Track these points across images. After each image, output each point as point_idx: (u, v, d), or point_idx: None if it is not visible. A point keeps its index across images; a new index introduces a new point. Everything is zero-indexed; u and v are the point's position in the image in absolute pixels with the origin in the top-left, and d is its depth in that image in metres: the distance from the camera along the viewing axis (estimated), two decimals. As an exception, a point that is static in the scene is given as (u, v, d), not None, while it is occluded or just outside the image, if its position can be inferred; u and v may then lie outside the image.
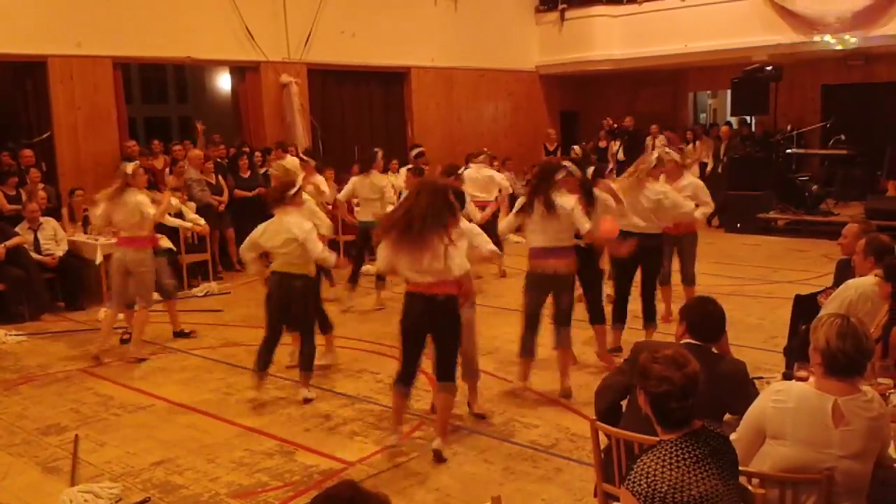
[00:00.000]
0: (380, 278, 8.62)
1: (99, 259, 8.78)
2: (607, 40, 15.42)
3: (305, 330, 5.83)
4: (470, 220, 5.48)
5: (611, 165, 13.46)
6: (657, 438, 2.51)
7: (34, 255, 8.63)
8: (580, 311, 6.24)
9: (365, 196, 8.68)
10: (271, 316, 5.85)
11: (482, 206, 8.31)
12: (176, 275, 9.32)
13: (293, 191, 5.79)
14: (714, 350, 3.41)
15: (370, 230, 7.31)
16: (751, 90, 13.08)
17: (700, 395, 2.46)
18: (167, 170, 10.50)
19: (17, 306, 8.38)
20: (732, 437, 2.78)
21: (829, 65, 14.48)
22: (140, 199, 6.73)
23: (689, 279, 7.46)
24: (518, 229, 6.05)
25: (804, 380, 3.14)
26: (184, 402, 5.86)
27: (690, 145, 14.61)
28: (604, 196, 5.98)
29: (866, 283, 4.33)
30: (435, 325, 4.68)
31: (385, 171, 9.63)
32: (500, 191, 9.17)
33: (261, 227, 5.88)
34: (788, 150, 13.94)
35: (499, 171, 12.85)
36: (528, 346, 5.76)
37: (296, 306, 5.76)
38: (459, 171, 7.48)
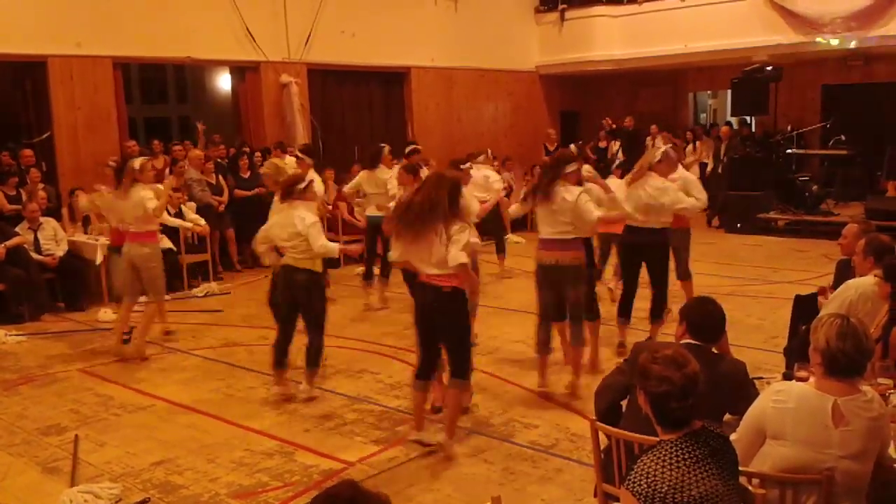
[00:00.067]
0: (382, 276, 8.64)
1: (99, 259, 8.79)
2: (607, 40, 15.42)
3: (313, 325, 5.79)
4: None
5: (616, 164, 13.49)
6: (657, 439, 2.51)
7: (34, 256, 8.63)
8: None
9: (371, 191, 8.69)
10: (279, 311, 5.93)
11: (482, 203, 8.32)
12: (176, 275, 9.35)
13: (303, 185, 5.75)
14: (714, 350, 3.41)
15: (378, 224, 7.33)
16: (751, 90, 13.09)
17: (700, 395, 2.46)
18: (167, 170, 10.50)
19: (17, 306, 8.37)
20: (732, 437, 2.78)
21: (829, 65, 14.49)
22: (144, 194, 6.75)
23: (684, 274, 7.46)
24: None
25: (804, 380, 3.14)
26: (184, 403, 5.86)
27: (690, 145, 14.62)
28: (595, 187, 5.98)
29: (866, 283, 4.33)
30: (441, 317, 4.68)
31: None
32: (505, 190, 9.19)
33: (272, 218, 5.94)
34: (788, 151, 13.94)
35: (499, 171, 12.88)
36: (540, 339, 5.73)
37: (301, 300, 5.75)
38: (465, 166, 7.46)
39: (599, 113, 16.07)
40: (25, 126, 10.38)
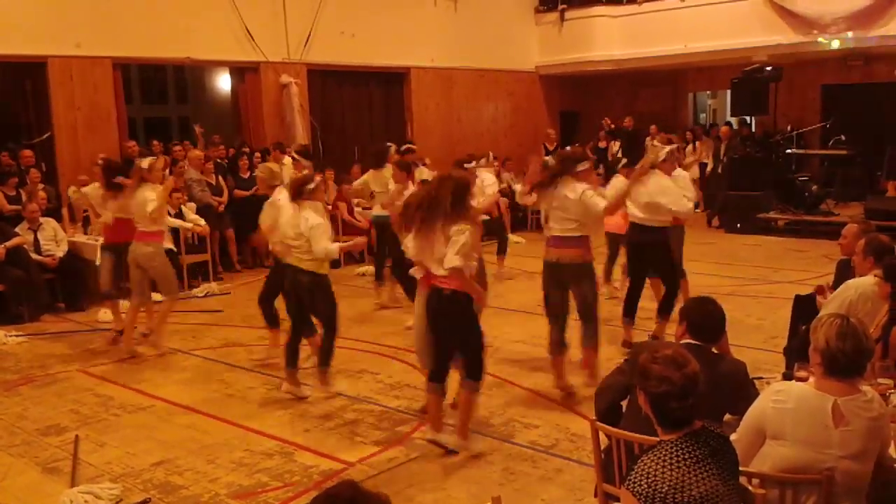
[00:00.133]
0: (378, 278, 8.64)
1: (99, 260, 8.78)
2: (607, 40, 15.42)
3: (323, 326, 5.79)
4: None
5: (621, 164, 13.52)
6: (657, 439, 2.51)
7: (34, 256, 8.62)
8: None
9: (378, 190, 8.69)
10: (288, 311, 5.96)
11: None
12: (176, 275, 9.35)
13: (312, 185, 5.72)
14: (714, 350, 3.41)
15: (385, 223, 7.33)
16: (750, 90, 13.09)
17: (700, 395, 2.46)
18: (167, 170, 10.50)
19: (17, 307, 8.37)
20: (732, 437, 2.78)
21: (828, 65, 14.49)
22: (147, 195, 6.77)
23: (678, 272, 7.46)
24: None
25: (804, 380, 3.14)
26: (184, 403, 5.85)
27: (690, 145, 14.62)
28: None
29: (866, 283, 4.33)
30: (444, 320, 4.67)
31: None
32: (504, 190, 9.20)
33: (286, 212, 5.96)
34: (788, 151, 13.94)
35: (499, 172, 12.89)
36: (552, 339, 5.71)
37: (305, 302, 5.76)
38: (470, 165, 7.47)
39: (599, 113, 16.08)
40: (25, 126, 10.38)
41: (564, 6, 15.82)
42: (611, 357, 6.24)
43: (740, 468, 2.62)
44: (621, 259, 7.85)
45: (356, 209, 10.84)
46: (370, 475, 4.55)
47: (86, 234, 9.29)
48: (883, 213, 10.86)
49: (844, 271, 5.09)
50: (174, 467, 4.74)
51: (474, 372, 4.71)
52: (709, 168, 14.60)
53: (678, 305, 5.62)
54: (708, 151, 14.67)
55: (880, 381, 3.54)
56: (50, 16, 9.88)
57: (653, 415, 2.50)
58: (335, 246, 5.66)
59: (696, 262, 7.63)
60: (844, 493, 2.73)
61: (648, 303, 6.61)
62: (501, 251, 9.94)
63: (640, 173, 6.28)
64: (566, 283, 5.59)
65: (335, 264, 10.03)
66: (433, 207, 4.56)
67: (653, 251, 6.42)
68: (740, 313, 7.48)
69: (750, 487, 2.71)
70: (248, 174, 11.05)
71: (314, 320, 6.01)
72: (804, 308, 5.32)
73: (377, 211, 8.55)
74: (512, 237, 11.79)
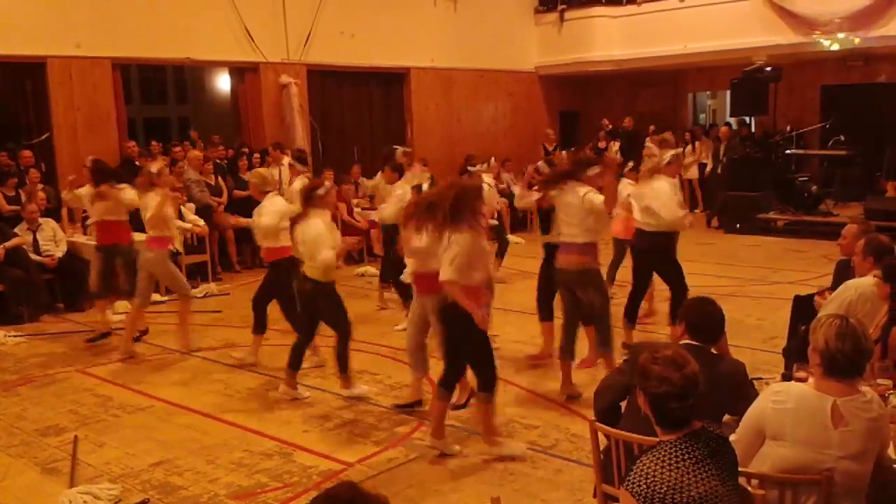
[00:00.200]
0: (382, 280, 8.64)
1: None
2: (607, 41, 15.42)
3: (336, 332, 5.77)
4: None
5: (628, 167, 13.55)
6: (656, 439, 2.51)
7: (33, 256, 8.63)
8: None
9: (387, 192, 8.69)
10: (259, 310, 6.20)
11: None
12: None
13: (322, 191, 5.69)
14: (713, 351, 3.41)
15: (392, 226, 7.35)
16: (750, 91, 13.09)
17: (699, 395, 2.46)
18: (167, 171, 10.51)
19: (16, 307, 8.37)
20: (732, 437, 2.78)
21: (828, 65, 14.49)
22: (148, 202, 6.82)
23: None
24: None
25: (803, 380, 3.14)
26: (183, 403, 5.85)
27: (690, 146, 14.62)
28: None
29: (866, 283, 4.33)
30: (446, 328, 4.62)
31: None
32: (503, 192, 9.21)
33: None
34: (788, 151, 13.94)
35: (499, 173, 12.89)
36: (561, 345, 5.71)
37: (310, 310, 5.78)
38: (475, 169, 7.47)
39: (599, 113, 16.09)
40: (25, 127, 10.37)
41: (564, 6, 15.83)
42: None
43: (740, 468, 2.62)
44: (626, 261, 7.87)
45: (356, 210, 10.85)
46: (369, 475, 4.54)
47: (85, 234, 9.28)
48: (882, 213, 10.86)
49: (844, 272, 5.08)
50: (173, 468, 4.74)
51: (484, 384, 4.65)
52: (708, 168, 14.61)
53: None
54: (707, 152, 14.67)
55: (879, 381, 3.54)
56: (50, 16, 9.88)
57: (652, 415, 2.50)
58: (330, 254, 5.56)
59: (695, 262, 7.63)
60: (844, 493, 2.73)
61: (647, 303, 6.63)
62: (499, 254, 9.93)
63: (644, 177, 6.29)
64: (572, 289, 5.60)
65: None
66: (432, 209, 4.54)
67: (655, 256, 6.40)
68: (740, 314, 7.49)
69: (749, 488, 2.71)
70: (248, 175, 11.05)
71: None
72: (803, 308, 5.32)
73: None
74: (511, 237, 11.79)
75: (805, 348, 2.96)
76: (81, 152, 10.27)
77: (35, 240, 8.75)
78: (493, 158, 12.42)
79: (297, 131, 12.30)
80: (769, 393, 2.89)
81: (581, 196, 5.38)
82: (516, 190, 6.70)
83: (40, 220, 8.86)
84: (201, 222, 9.16)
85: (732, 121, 15.66)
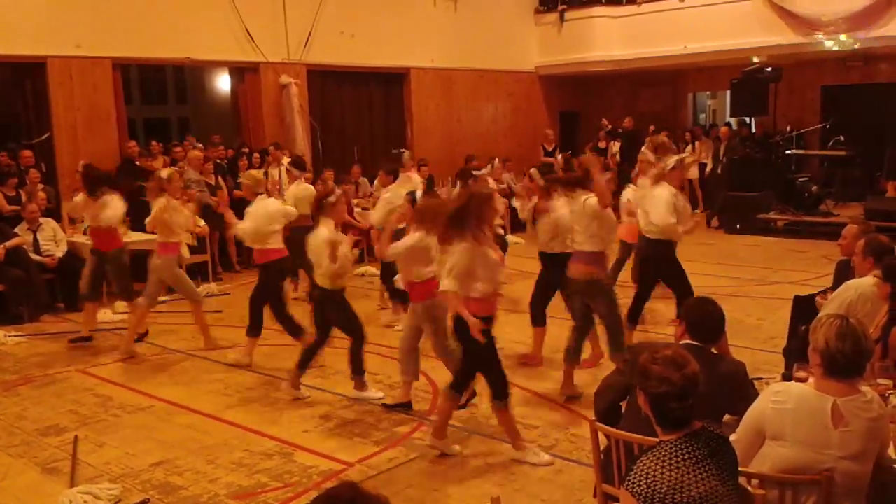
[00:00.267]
0: (383, 280, 8.64)
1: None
2: (607, 41, 15.42)
3: (350, 336, 5.79)
4: None
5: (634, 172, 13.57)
6: (657, 439, 2.51)
7: (34, 256, 8.63)
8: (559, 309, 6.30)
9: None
10: (254, 310, 6.37)
11: None
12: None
13: (332, 198, 5.69)
14: (714, 351, 3.41)
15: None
16: (750, 91, 13.09)
17: (700, 395, 2.46)
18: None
19: (16, 307, 8.38)
20: (732, 437, 2.78)
21: (828, 66, 14.49)
22: (154, 208, 6.83)
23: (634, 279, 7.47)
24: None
25: (804, 380, 3.14)
26: (183, 403, 5.85)
27: (690, 146, 14.62)
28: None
29: (866, 283, 4.33)
30: (459, 337, 4.61)
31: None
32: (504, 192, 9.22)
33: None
34: (788, 151, 13.94)
35: (499, 173, 12.89)
36: (567, 346, 5.73)
37: (320, 314, 5.80)
38: (479, 173, 7.47)
39: (599, 113, 16.08)
40: (25, 127, 10.37)
41: (564, 7, 15.83)
42: (609, 358, 6.24)
43: (740, 468, 2.62)
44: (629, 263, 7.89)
45: (356, 210, 10.84)
46: (370, 475, 4.55)
47: (85, 234, 9.28)
48: (883, 213, 10.86)
49: (844, 272, 5.08)
50: (174, 468, 4.74)
51: (495, 392, 4.63)
52: (708, 168, 14.61)
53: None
54: (707, 152, 14.67)
55: (880, 381, 3.54)
56: (50, 16, 9.88)
57: (652, 415, 2.50)
58: (327, 264, 5.54)
59: (695, 262, 7.62)
60: (844, 493, 2.73)
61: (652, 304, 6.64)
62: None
63: (654, 181, 6.30)
64: (581, 297, 5.65)
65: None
66: (432, 216, 4.57)
67: (658, 264, 6.41)
68: (740, 314, 7.49)
69: (749, 488, 2.71)
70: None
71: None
72: (803, 309, 5.32)
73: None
74: (511, 238, 11.78)
75: (805, 348, 2.96)
76: (81, 152, 10.29)
77: (35, 240, 8.75)
78: (497, 159, 12.45)
79: (297, 131, 12.30)
80: (769, 393, 2.89)
81: (582, 202, 5.44)
82: (517, 204, 6.72)
83: (41, 219, 8.87)
84: (201, 222, 9.14)
85: (732, 121, 15.67)
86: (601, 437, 3.23)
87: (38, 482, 4.63)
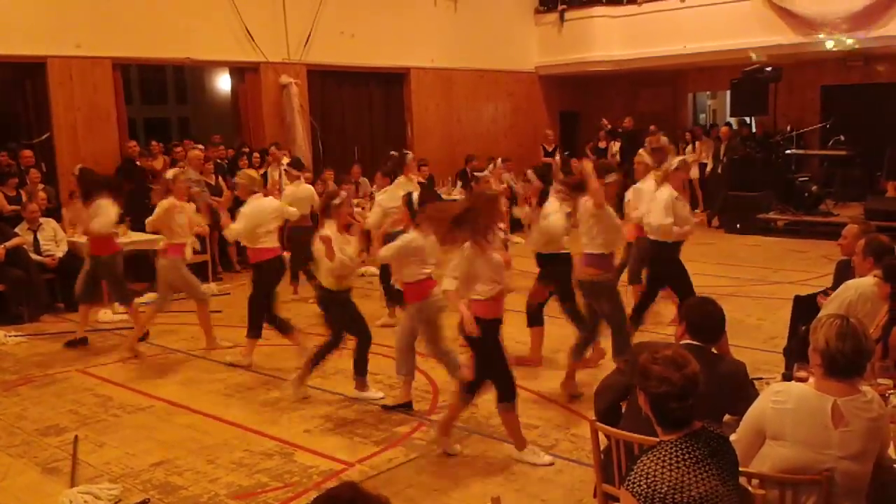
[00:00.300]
0: (381, 281, 8.64)
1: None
2: (607, 41, 15.42)
3: (354, 337, 5.80)
4: None
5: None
6: (657, 439, 2.51)
7: (34, 256, 8.63)
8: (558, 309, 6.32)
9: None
10: (253, 309, 6.40)
11: None
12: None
13: (338, 200, 5.70)
14: (714, 351, 3.41)
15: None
16: (750, 91, 13.09)
17: (700, 395, 2.46)
18: (166, 171, 10.50)
19: (16, 307, 8.38)
20: (732, 437, 2.78)
21: (828, 65, 14.49)
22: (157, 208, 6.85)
23: (633, 278, 7.47)
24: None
25: (804, 380, 3.14)
26: (183, 403, 5.86)
27: (690, 146, 14.62)
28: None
29: (866, 283, 4.33)
30: (465, 339, 4.61)
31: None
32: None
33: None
34: (788, 151, 13.94)
35: (500, 173, 12.86)
36: (576, 347, 5.77)
37: (325, 315, 5.82)
38: (482, 174, 7.47)
39: (599, 113, 16.09)
40: (25, 127, 10.38)
41: (564, 6, 15.83)
42: (611, 358, 6.24)
43: (740, 468, 2.62)
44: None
45: (356, 210, 10.83)
46: (370, 475, 4.55)
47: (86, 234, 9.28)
48: (883, 213, 10.86)
49: (844, 272, 5.08)
50: (174, 468, 4.74)
51: (503, 394, 4.62)
52: (708, 168, 14.60)
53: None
54: (708, 152, 14.66)
55: (880, 381, 3.54)
56: (50, 16, 9.88)
57: (652, 415, 2.50)
58: (326, 263, 5.56)
59: (695, 262, 7.61)
60: (844, 493, 2.73)
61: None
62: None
63: (659, 182, 6.31)
64: (587, 298, 5.69)
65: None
66: (438, 220, 4.57)
67: (657, 266, 6.42)
68: (740, 314, 7.49)
69: (750, 488, 2.71)
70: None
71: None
72: (804, 308, 5.32)
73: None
74: (512, 237, 11.78)
75: (805, 348, 2.96)
76: (82, 152, 10.30)
77: (36, 240, 8.75)
78: (499, 160, 12.43)
79: (298, 131, 12.30)
80: (769, 393, 2.89)
81: (582, 205, 5.50)
82: (520, 214, 6.74)
83: (41, 219, 8.87)
84: (203, 222, 9.14)
85: (732, 121, 15.66)
86: (601, 437, 3.23)
87: (38, 482, 4.63)
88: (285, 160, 10.73)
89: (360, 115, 13.76)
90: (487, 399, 5.61)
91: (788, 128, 14.17)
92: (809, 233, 12.06)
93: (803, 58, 13.68)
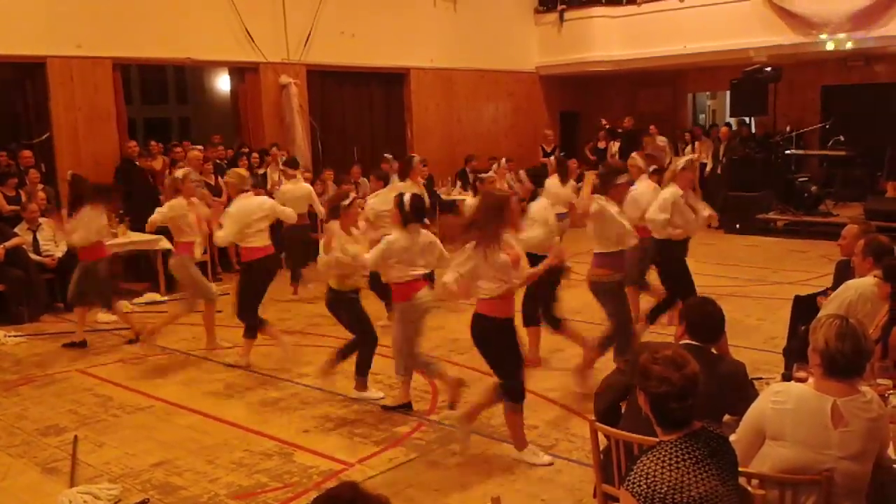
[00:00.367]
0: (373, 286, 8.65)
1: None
2: (607, 41, 15.41)
3: (356, 337, 5.81)
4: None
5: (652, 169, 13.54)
6: (657, 439, 2.51)
7: (33, 256, 8.63)
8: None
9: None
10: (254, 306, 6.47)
11: None
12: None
13: (347, 201, 5.70)
14: (713, 351, 3.41)
15: None
16: (750, 91, 13.09)
17: (699, 395, 2.47)
18: (166, 171, 10.50)
19: (16, 307, 8.38)
20: (732, 438, 2.78)
21: (828, 66, 14.48)
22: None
23: (631, 280, 7.47)
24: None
25: (803, 381, 3.14)
26: (183, 403, 5.86)
27: (690, 146, 14.62)
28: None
29: (866, 283, 4.33)
30: (472, 338, 4.62)
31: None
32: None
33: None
34: (788, 151, 13.94)
35: (501, 173, 12.84)
36: (602, 340, 5.83)
37: (333, 315, 5.83)
38: (487, 175, 7.45)
39: (599, 113, 16.09)
40: (25, 127, 10.37)
41: (564, 7, 15.82)
42: (612, 359, 6.24)
43: (740, 469, 2.62)
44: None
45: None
46: (370, 476, 4.55)
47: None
48: (883, 213, 10.86)
49: (844, 272, 5.09)
50: (173, 468, 4.74)
51: (511, 395, 4.60)
52: (708, 168, 14.59)
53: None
54: (707, 152, 14.65)
55: (879, 381, 3.54)
56: (50, 16, 9.87)
57: (652, 415, 2.50)
58: (323, 259, 5.58)
59: (695, 262, 7.62)
60: (844, 493, 2.73)
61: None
62: None
63: (665, 182, 6.34)
64: (594, 296, 5.73)
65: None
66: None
67: (669, 266, 6.45)
68: (740, 314, 7.49)
69: (749, 488, 2.71)
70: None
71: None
72: (803, 309, 5.32)
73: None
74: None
75: (805, 348, 2.96)
76: (82, 152, 10.30)
77: (35, 240, 8.75)
78: (503, 160, 12.41)
79: (297, 131, 12.29)
80: (769, 393, 2.89)
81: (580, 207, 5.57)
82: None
83: (40, 219, 8.86)
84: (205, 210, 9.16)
85: (732, 121, 15.65)
86: (601, 437, 3.23)
87: (38, 482, 4.63)
88: (280, 159, 10.74)
89: (360, 116, 13.75)
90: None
91: (788, 128, 14.16)
92: (809, 233, 12.06)
93: (803, 58, 13.68)
